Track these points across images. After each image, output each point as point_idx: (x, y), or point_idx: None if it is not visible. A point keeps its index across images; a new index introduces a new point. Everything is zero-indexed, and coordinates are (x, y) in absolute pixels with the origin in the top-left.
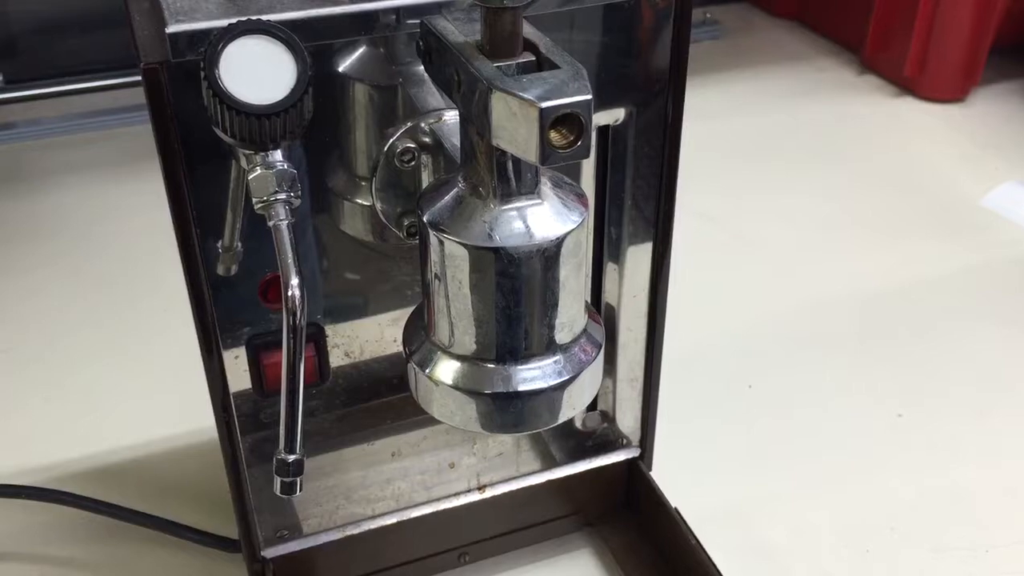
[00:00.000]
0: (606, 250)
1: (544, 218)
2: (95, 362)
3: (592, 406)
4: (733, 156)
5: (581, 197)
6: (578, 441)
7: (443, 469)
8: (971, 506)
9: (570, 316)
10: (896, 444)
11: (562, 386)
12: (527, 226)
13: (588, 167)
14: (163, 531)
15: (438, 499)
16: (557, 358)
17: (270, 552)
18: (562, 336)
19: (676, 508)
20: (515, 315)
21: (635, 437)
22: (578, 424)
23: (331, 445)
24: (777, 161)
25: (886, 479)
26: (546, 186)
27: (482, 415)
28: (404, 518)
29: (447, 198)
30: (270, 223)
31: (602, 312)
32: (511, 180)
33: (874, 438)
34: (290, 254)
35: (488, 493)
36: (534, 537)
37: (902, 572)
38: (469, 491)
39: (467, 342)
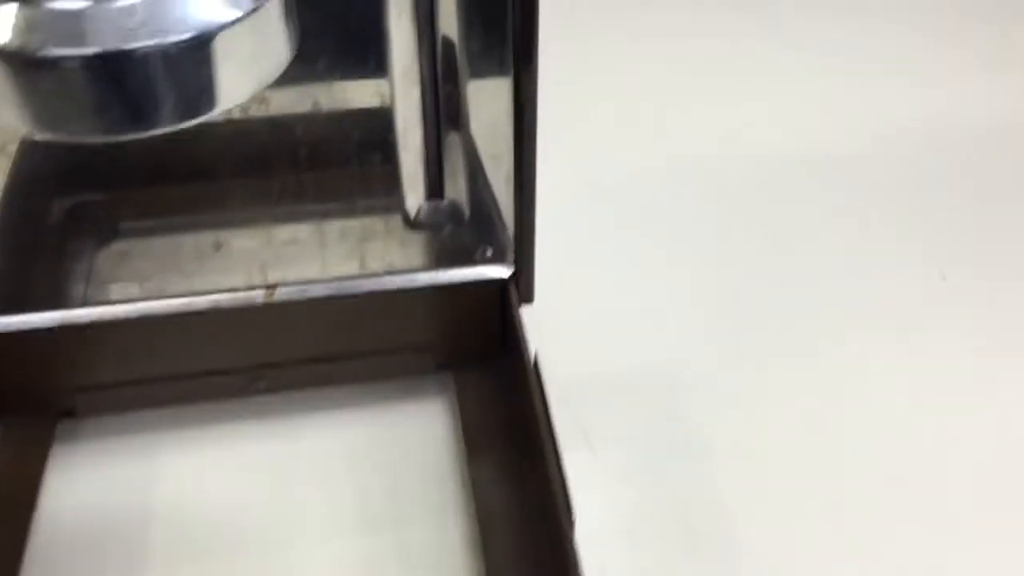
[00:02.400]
0: None
1: None
2: None
3: (435, 192)
4: None
5: None
6: (420, 243)
7: (205, 251)
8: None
9: None
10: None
11: (196, 44)
12: None
13: None
14: None
15: (204, 292)
16: None
17: None
18: None
19: (536, 355)
20: None
21: (509, 249)
22: (410, 214)
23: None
24: None
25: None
26: None
27: (26, 96)
28: (150, 311)
29: None
30: None
31: (438, 39)
32: None
33: (908, 303)
34: None
35: (280, 296)
36: (361, 372)
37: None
38: (250, 289)
39: None
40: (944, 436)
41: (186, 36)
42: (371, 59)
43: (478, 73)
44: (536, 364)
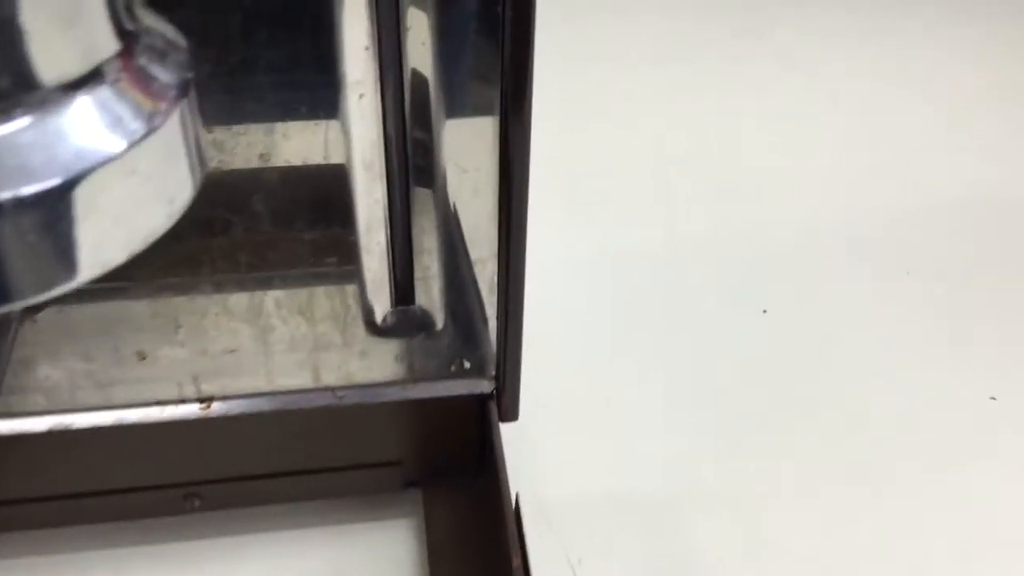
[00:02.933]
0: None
1: None
2: None
3: (405, 298)
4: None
5: None
6: (386, 352)
7: (127, 360)
8: None
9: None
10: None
11: (40, 200)
12: None
13: None
14: None
15: (130, 405)
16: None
17: None
18: (29, 64)
19: (517, 496)
20: None
21: (490, 362)
22: (377, 320)
23: None
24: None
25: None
26: None
27: None
28: (67, 425)
29: None
30: None
31: (406, 125)
32: None
33: (955, 428)
34: None
35: (217, 410)
36: (313, 488)
37: None
38: (184, 401)
39: None
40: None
41: (61, 179)
42: (328, 147)
43: (455, 166)
44: (517, 498)
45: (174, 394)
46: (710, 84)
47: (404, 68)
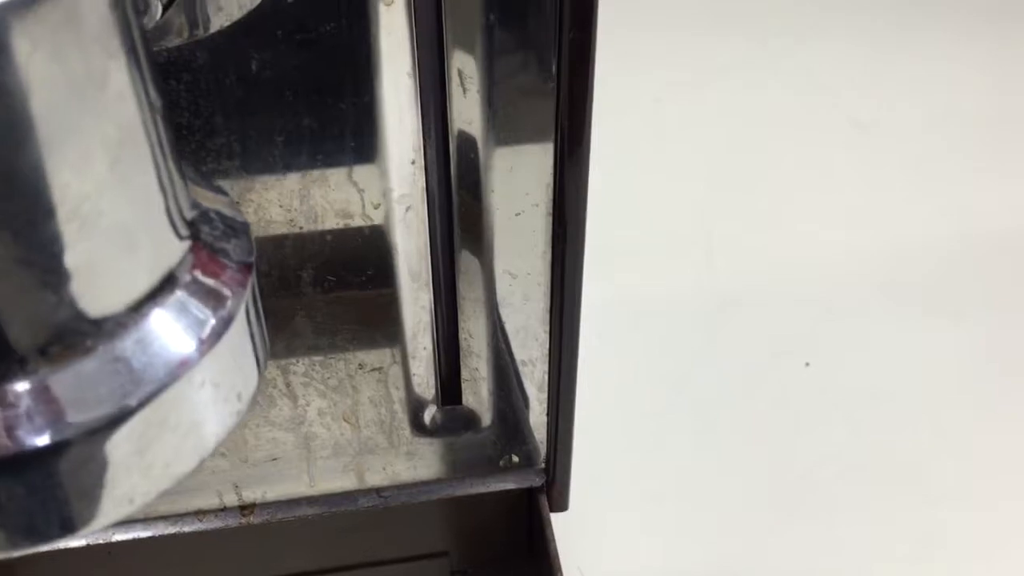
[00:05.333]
0: (451, 96)
1: None
2: None
3: (452, 399)
4: (872, 7)
5: None
6: (432, 450)
7: None
8: None
9: (86, 256)
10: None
11: (99, 433)
12: None
13: None
14: None
15: (167, 517)
16: (80, 365)
17: None
18: (80, 309)
19: None
20: None
21: (538, 456)
22: (425, 422)
23: None
24: (934, 27)
25: None
26: None
27: None
28: (103, 540)
29: None
30: None
31: (455, 232)
32: None
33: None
34: None
35: (258, 518)
36: None
37: None
38: (224, 511)
39: None
40: None
41: (115, 411)
42: (372, 264)
43: (502, 268)
44: None
45: (215, 503)
46: (731, 111)
47: (451, 181)
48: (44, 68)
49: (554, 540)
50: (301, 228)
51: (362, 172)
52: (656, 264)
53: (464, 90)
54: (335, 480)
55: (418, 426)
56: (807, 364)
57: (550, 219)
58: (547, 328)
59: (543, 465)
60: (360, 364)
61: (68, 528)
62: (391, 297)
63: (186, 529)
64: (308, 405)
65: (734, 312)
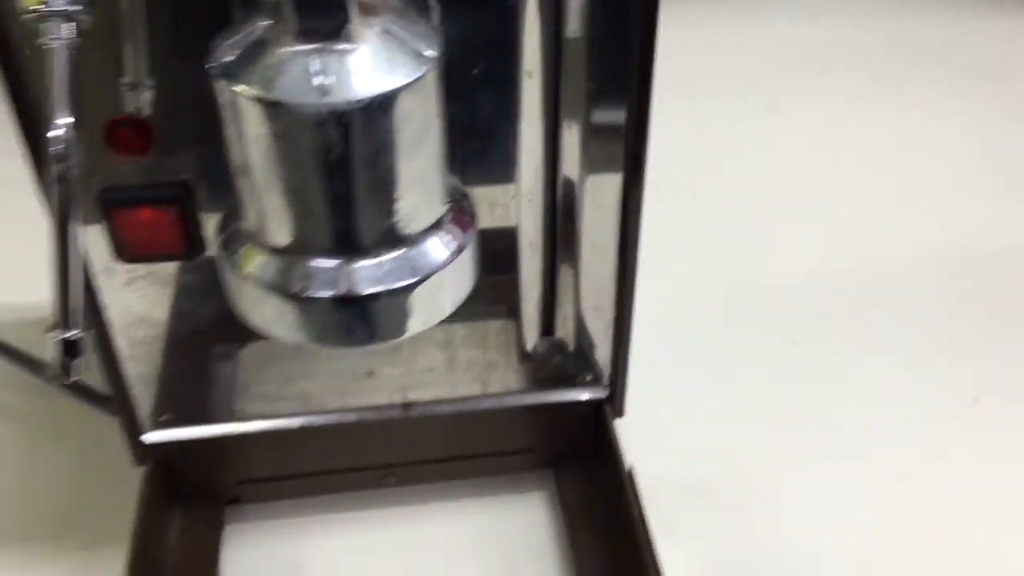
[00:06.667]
0: (563, 135)
1: (354, 69)
2: None
3: (548, 330)
4: (861, 67)
5: (430, 43)
6: (530, 369)
7: (360, 376)
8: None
9: (410, 203)
10: (964, 437)
11: (400, 291)
12: (323, 78)
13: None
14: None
15: (354, 409)
16: (396, 254)
17: (152, 437)
18: (402, 227)
19: (631, 468)
20: (321, 197)
21: (605, 375)
22: (528, 348)
23: (218, 329)
24: (915, 80)
25: (929, 475)
26: (372, 27)
27: (294, 321)
28: (313, 423)
29: (243, 40)
30: (41, 42)
31: (558, 216)
32: (310, 15)
33: (939, 427)
34: (62, 85)
35: (415, 412)
36: (476, 469)
37: None
38: (392, 406)
39: (274, 229)
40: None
41: (410, 282)
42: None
43: (588, 242)
44: (631, 473)
45: (387, 401)
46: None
47: (557, 184)
48: (417, 108)
49: (617, 439)
50: None
51: (504, 176)
52: (695, 242)
53: (569, 131)
54: (467, 387)
55: (525, 351)
56: (793, 341)
57: (620, 211)
58: (614, 283)
59: (607, 383)
60: (491, 304)
61: (378, 339)
62: (515, 259)
63: (368, 417)
64: (455, 333)
65: (751, 305)
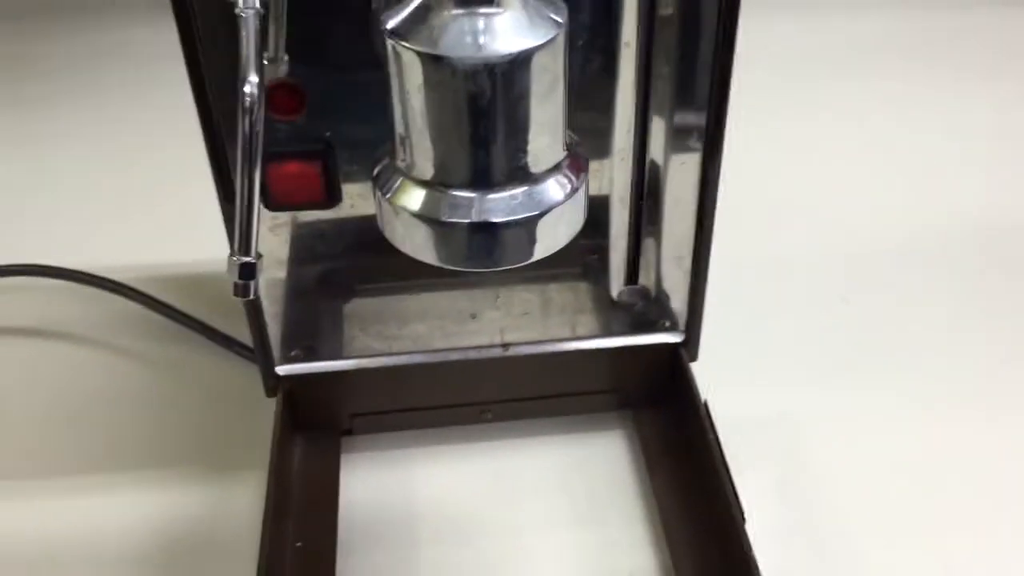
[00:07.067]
0: (652, 100)
1: (501, 30)
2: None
3: (632, 279)
4: (887, 51)
5: (559, 11)
6: (614, 315)
7: (464, 319)
8: None
9: (538, 146)
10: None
11: (526, 221)
12: (477, 37)
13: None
14: (215, 341)
15: (458, 349)
16: (523, 190)
17: (283, 370)
18: (530, 167)
19: (705, 401)
20: (467, 138)
21: (681, 322)
22: (613, 295)
23: (346, 273)
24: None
25: (981, 423)
26: None
27: (437, 245)
28: (421, 361)
29: (412, 5)
30: (237, 11)
31: (646, 174)
32: None
33: (982, 378)
34: (252, 49)
35: (512, 352)
36: (563, 407)
37: (966, 530)
38: (491, 347)
39: (424, 165)
40: None
41: (534, 214)
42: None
43: (671, 199)
44: (707, 404)
45: (488, 341)
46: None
47: (647, 146)
48: (550, 64)
49: (694, 380)
50: None
51: (602, 137)
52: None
53: (658, 97)
54: (558, 330)
55: (610, 298)
56: (845, 300)
57: (700, 170)
58: (693, 235)
59: (684, 328)
60: (585, 254)
61: (507, 262)
62: (607, 213)
63: (471, 356)
64: (550, 277)
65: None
